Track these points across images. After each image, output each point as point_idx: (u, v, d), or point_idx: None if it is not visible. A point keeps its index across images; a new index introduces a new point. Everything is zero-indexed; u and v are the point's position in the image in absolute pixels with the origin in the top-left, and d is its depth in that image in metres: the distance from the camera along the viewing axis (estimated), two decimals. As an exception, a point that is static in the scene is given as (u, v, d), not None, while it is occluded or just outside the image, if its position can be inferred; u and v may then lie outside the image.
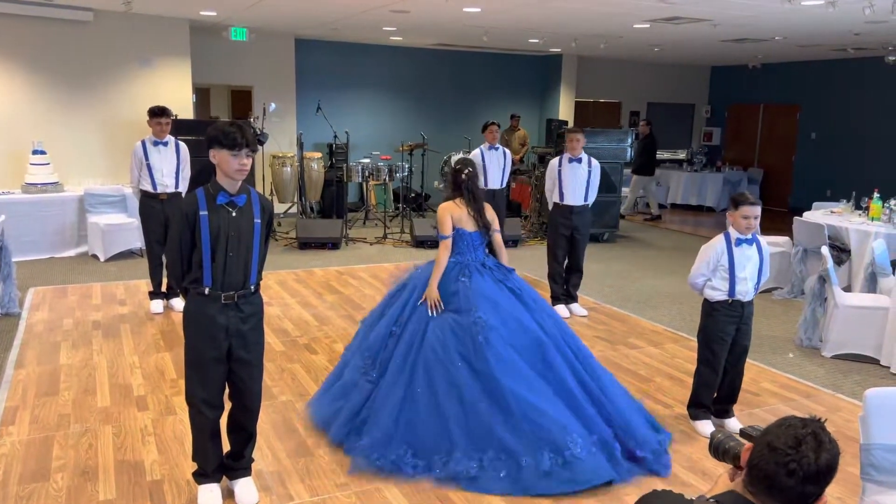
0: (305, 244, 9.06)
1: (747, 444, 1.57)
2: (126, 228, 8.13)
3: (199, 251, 3.01)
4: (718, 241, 4.02)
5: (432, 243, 8.69)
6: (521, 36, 10.63)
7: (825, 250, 5.63)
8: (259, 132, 9.02)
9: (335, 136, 10.64)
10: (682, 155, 14.76)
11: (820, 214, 7.38)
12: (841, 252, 6.75)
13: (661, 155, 14.58)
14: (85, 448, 3.75)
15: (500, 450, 3.48)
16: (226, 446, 3.31)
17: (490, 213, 4.16)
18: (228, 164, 2.95)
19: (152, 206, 5.98)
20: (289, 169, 10.29)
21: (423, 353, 3.76)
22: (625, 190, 11.63)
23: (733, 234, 3.97)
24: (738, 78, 14.93)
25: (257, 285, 3.15)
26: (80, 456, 3.66)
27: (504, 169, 7.62)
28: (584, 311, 6.48)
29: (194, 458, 3.25)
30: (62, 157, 8.63)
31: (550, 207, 6.49)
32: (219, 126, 2.97)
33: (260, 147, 8.90)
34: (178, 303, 6.15)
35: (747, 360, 4.24)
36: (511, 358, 3.69)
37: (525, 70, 13.91)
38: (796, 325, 5.99)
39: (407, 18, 8.92)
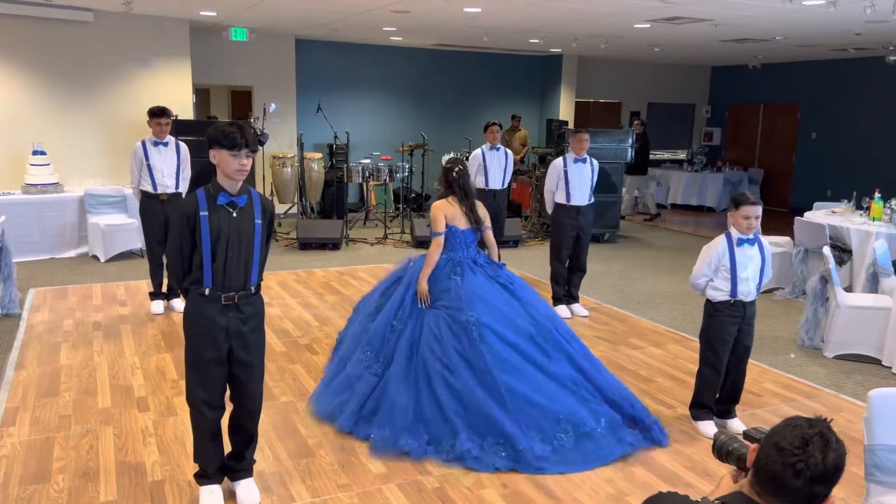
0: (306, 244, 9.05)
1: (752, 445, 1.57)
2: (126, 229, 8.12)
3: (199, 252, 3.00)
4: (720, 241, 4.01)
5: (433, 244, 8.67)
6: (521, 36, 10.63)
7: (827, 250, 5.62)
8: (259, 133, 9.01)
9: (335, 137, 10.64)
10: (682, 155, 14.76)
11: (821, 214, 7.37)
12: (842, 252, 6.74)
13: (662, 155, 14.60)
14: (86, 449, 3.74)
15: (499, 435, 3.66)
16: (227, 447, 3.30)
17: (482, 211, 4.29)
18: (228, 165, 2.94)
19: (153, 207, 5.97)
20: (289, 169, 10.28)
21: (422, 349, 3.93)
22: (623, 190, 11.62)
23: (735, 234, 3.96)
24: (738, 78, 14.92)
25: (258, 286, 3.14)
26: (80, 457, 3.65)
27: (505, 169, 7.60)
28: (586, 312, 6.47)
29: (196, 459, 3.24)
30: (62, 158, 8.62)
31: (550, 208, 6.44)
32: (219, 126, 2.96)
33: (260, 147, 8.91)
34: (179, 303, 6.14)
35: (749, 360, 4.23)
36: (505, 353, 3.84)
37: (525, 70, 13.90)
38: (797, 325, 5.99)
39: (407, 19, 8.92)
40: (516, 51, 13.05)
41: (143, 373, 4.82)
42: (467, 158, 7.93)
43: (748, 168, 14.43)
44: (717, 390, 4.17)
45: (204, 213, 2.97)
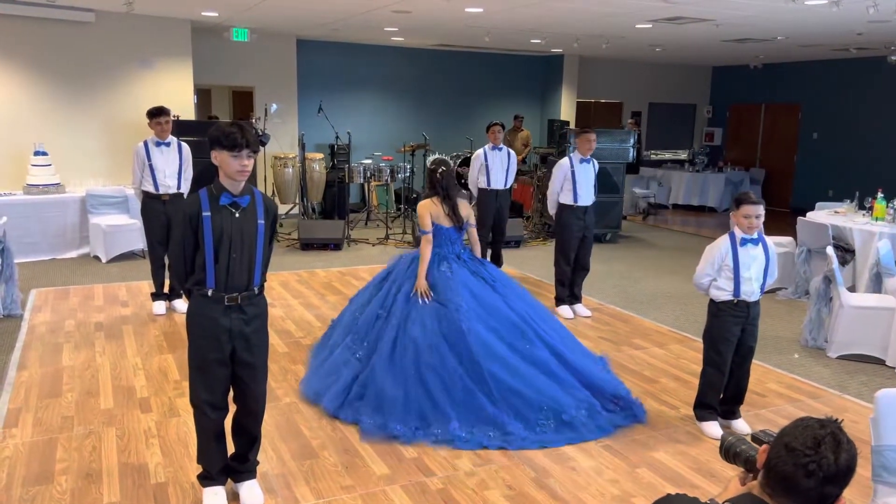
0: (307, 245, 9.04)
1: (763, 446, 1.56)
2: (128, 229, 8.11)
3: (202, 253, 2.98)
4: (723, 240, 4.00)
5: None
6: (522, 36, 10.62)
7: (830, 250, 5.61)
8: (261, 133, 9.01)
9: (337, 137, 10.64)
10: (683, 155, 14.75)
11: (824, 214, 7.35)
12: (845, 252, 6.73)
13: (664, 155, 14.58)
14: (88, 450, 3.73)
15: (488, 422, 3.89)
16: (231, 448, 3.29)
17: (465, 210, 4.51)
18: (229, 166, 2.93)
19: (154, 207, 5.96)
20: (290, 170, 10.28)
21: (408, 337, 4.14)
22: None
23: (738, 233, 3.95)
24: (739, 78, 14.92)
25: (261, 287, 3.13)
26: (83, 458, 3.64)
27: (508, 169, 7.57)
28: (588, 312, 6.46)
29: (199, 461, 3.23)
30: (64, 159, 8.61)
31: (553, 208, 6.41)
32: (219, 127, 2.95)
33: (262, 148, 8.90)
34: (181, 304, 6.13)
35: (752, 360, 4.22)
36: (490, 342, 4.06)
37: (526, 70, 13.89)
38: (801, 325, 5.98)
39: (408, 19, 8.91)
40: (517, 51, 13.05)
41: (146, 374, 4.81)
42: (468, 158, 7.92)
43: (749, 168, 14.42)
44: (721, 391, 4.16)
45: (206, 214, 2.95)
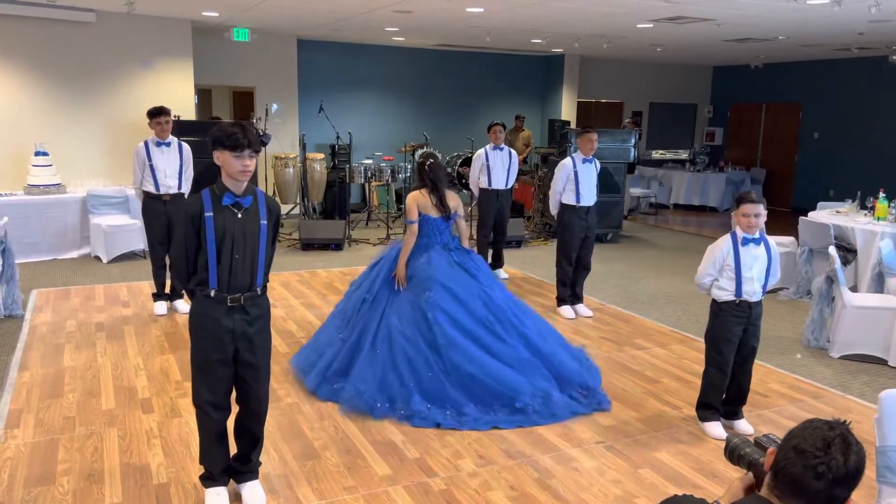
0: (308, 245, 9.04)
1: (770, 448, 1.55)
2: (129, 230, 8.11)
3: (204, 253, 2.98)
4: (725, 240, 4.00)
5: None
6: (523, 36, 10.61)
7: (833, 250, 5.60)
8: (262, 133, 9.00)
9: (338, 137, 10.63)
10: (684, 155, 14.74)
11: (825, 214, 7.34)
12: (847, 252, 6.72)
13: (664, 155, 14.58)
14: (90, 451, 3.72)
15: (446, 401, 4.14)
16: (233, 449, 3.29)
17: (453, 201, 4.68)
18: (231, 166, 2.92)
19: (155, 208, 5.95)
20: (291, 170, 10.27)
21: (386, 322, 4.41)
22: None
23: (740, 233, 3.94)
24: (740, 78, 14.91)
25: (264, 287, 3.12)
26: (85, 459, 3.64)
27: (509, 169, 7.57)
28: (590, 312, 6.45)
29: (201, 461, 3.23)
30: (64, 159, 8.61)
31: (555, 209, 6.40)
32: (221, 127, 2.94)
33: (262, 148, 8.89)
34: (182, 305, 6.12)
35: (755, 360, 4.21)
36: (454, 335, 4.27)
37: (527, 70, 13.89)
38: (803, 325, 5.97)
39: (409, 19, 8.90)
40: (518, 51, 13.04)
41: (147, 374, 4.81)
42: (469, 158, 7.92)
43: (750, 168, 14.41)
44: (724, 391, 4.15)
45: (209, 214, 2.95)
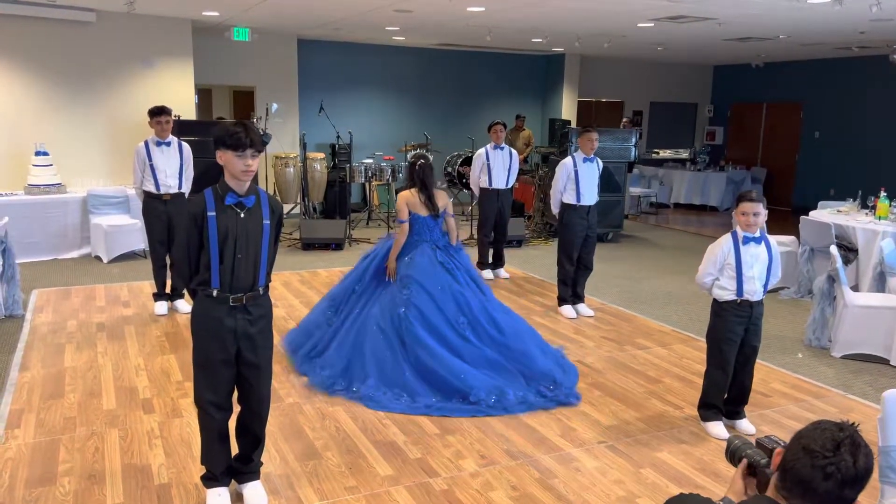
0: (309, 245, 9.03)
1: (778, 448, 1.55)
2: (129, 230, 8.10)
3: (206, 253, 2.97)
4: (725, 239, 3.99)
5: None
6: (524, 35, 10.60)
7: (834, 249, 5.60)
8: (262, 133, 9.00)
9: (338, 137, 10.62)
10: (684, 154, 14.74)
11: (826, 213, 7.34)
12: (848, 251, 6.72)
13: (665, 154, 14.58)
14: (91, 451, 3.72)
15: (403, 388, 4.36)
16: (234, 449, 3.28)
17: (442, 200, 4.87)
18: (234, 166, 2.92)
19: (155, 207, 5.94)
20: (292, 169, 10.27)
21: (368, 314, 4.69)
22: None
23: (740, 232, 3.94)
24: (741, 77, 14.90)
25: (266, 287, 3.12)
26: (86, 459, 3.63)
27: (510, 169, 7.56)
28: (591, 312, 6.44)
29: (203, 462, 3.22)
30: (65, 159, 8.60)
31: (556, 208, 6.39)
32: (224, 127, 2.93)
33: (263, 147, 8.87)
34: (183, 305, 6.12)
35: (756, 360, 4.20)
36: (421, 334, 4.47)
37: (528, 69, 13.88)
38: (804, 324, 5.96)
39: (410, 18, 8.90)
40: (519, 50, 13.04)
41: (148, 374, 4.80)
42: (470, 158, 7.91)
43: (751, 167, 14.41)
44: (725, 390, 4.14)
45: (212, 214, 2.94)
